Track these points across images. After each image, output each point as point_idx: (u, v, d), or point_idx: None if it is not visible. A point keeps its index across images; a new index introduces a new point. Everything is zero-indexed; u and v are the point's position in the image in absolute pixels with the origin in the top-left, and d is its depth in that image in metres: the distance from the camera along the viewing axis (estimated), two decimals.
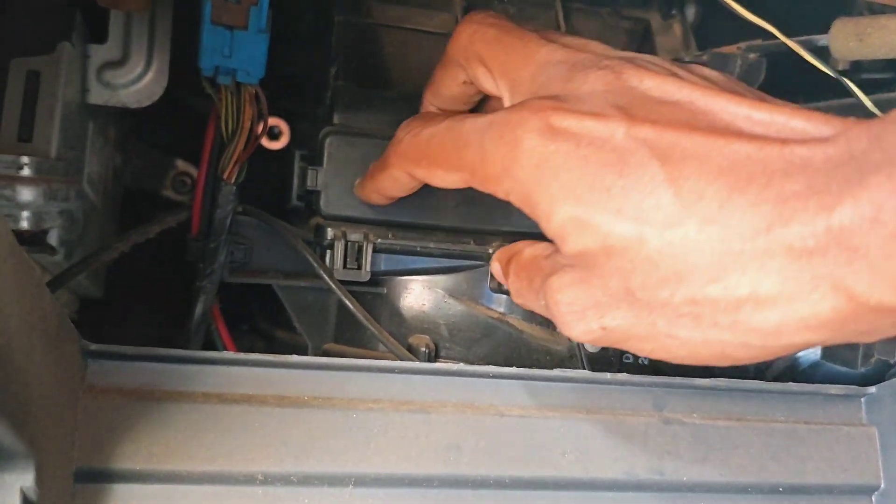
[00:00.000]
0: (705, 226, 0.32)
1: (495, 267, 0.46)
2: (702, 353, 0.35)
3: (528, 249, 0.43)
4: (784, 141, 0.33)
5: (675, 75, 0.37)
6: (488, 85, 0.43)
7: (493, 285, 0.51)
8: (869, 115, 0.49)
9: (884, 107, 0.50)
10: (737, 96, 0.36)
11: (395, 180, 0.45)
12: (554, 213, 0.36)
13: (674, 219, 0.33)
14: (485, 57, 0.42)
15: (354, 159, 0.49)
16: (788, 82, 0.53)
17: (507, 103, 0.41)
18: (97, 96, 0.51)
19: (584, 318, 0.36)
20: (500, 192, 0.39)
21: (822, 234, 0.30)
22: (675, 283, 0.33)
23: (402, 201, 0.48)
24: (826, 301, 0.31)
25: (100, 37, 0.51)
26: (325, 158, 0.49)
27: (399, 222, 0.50)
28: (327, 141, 0.50)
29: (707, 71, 0.39)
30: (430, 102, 0.48)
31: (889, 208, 0.28)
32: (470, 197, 0.50)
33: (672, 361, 0.36)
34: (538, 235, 0.51)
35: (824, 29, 0.51)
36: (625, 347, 0.37)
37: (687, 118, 0.35)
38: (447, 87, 0.46)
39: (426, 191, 0.47)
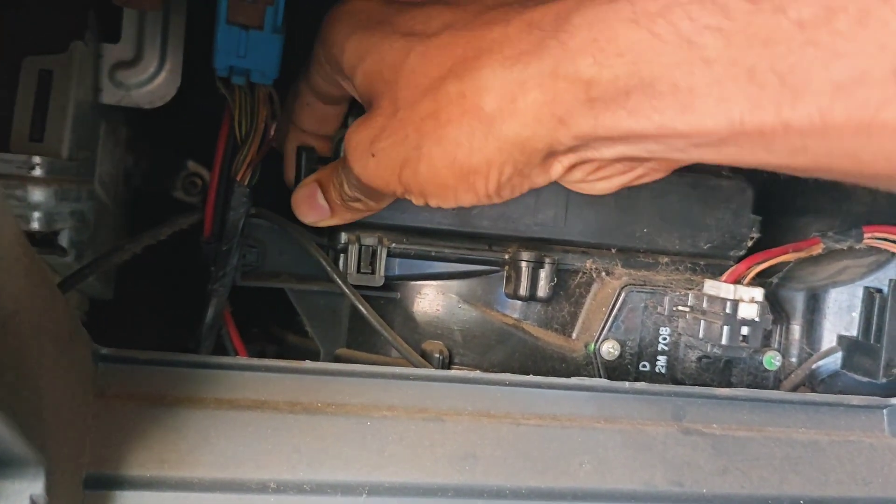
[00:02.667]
0: (456, 33, 0.38)
1: (306, 190, 0.48)
2: (439, 166, 0.38)
3: (323, 170, 0.48)
4: None
5: None
6: None
7: (509, 290, 0.50)
8: None
9: None
10: None
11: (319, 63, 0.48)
12: (345, 51, 0.42)
13: (436, 28, 0.38)
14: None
15: None
16: None
17: None
18: (110, 96, 0.50)
19: (362, 150, 0.41)
20: (329, 59, 0.45)
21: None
22: (427, 89, 0.38)
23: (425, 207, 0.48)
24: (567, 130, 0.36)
25: (113, 36, 0.50)
26: None
27: (415, 227, 0.49)
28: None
29: None
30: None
31: None
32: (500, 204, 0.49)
33: (421, 186, 0.39)
34: (556, 241, 0.51)
35: None
36: (393, 176, 0.40)
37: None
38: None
39: None
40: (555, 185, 0.49)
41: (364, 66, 0.41)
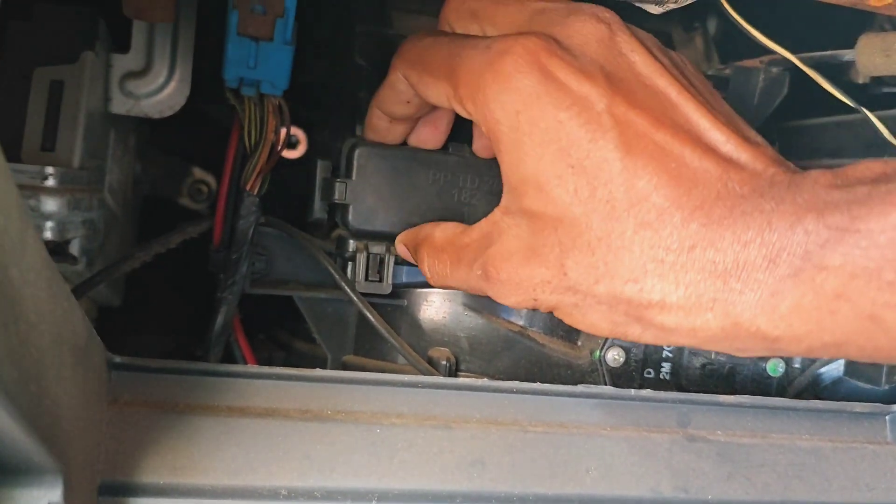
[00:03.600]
0: (641, 229, 0.36)
1: (401, 250, 0.48)
2: (603, 331, 0.39)
3: (438, 232, 0.45)
4: (726, 166, 0.36)
5: (657, 58, 0.39)
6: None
7: None
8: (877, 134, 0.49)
9: None
10: (704, 106, 0.38)
11: (392, 88, 0.45)
12: (519, 167, 0.38)
13: (619, 214, 0.36)
14: (478, 10, 0.43)
15: (385, 172, 0.48)
16: (812, 96, 0.53)
17: None
18: (119, 106, 0.51)
19: (520, 289, 0.40)
20: (473, 116, 0.40)
21: (730, 263, 0.34)
22: (602, 274, 0.37)
23: (432, 215, 0.48)
24: (716, 321, 0.35)
25: (123, 46, 0.51)
26: (355, 171, 0.48)
27: None
28: (357, 153, 0.48)
29: (680, 61, 0.42)
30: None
31: (785, 254, 0.33)
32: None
33: (580, 328, 0.41)
34: None
35: (849, 43, 0.51)
36: (544, 311, 0.41)
37: (659, 109, 0.37)
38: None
39: (454, 204, 0.47)
40: None
41: (538, 202, 0.38)
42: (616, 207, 0.36)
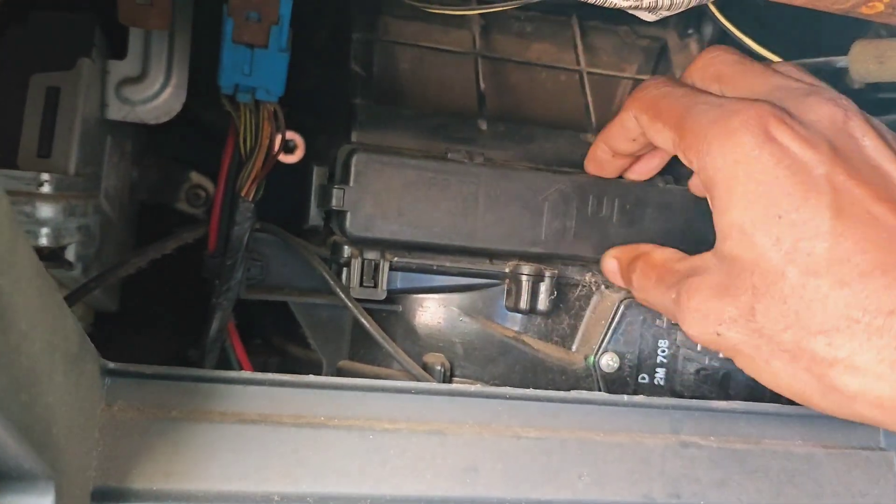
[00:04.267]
0: (838, 287, 0.37)
1: (610, 264, 0.50)
2: (782, 386, 0.40)
3: (658, 252, 0.48)
4: None
5: (890, 146, 0.41)
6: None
7: (510, 304, 0.51)
8: None
9: None
10: None
11: (622, 125, 0.48)
12: (727, 212, 0.40)
13: (817, 269, 0.37)
14: (724, 74, 0.45)
15: (383, 178, 0.48)
16: None
17: None
18: (116, 112, 0.51)
19: (706, 321, 0.41)
20: (693, 164, 0.42)
21: None
22: (791, 322, 0.38)
23: (431, 222, 0.49)
24: None
25: (119, 52, 0.51)
26: (353, 177, 0.48)
27: (417, 242, 0.49)
28: (355, 159, 0.48)
29: None
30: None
31: None
32: (499, 219, 0.50)
33: (757, 379, 0.41)
34: (559, 256, 0.51)
35: (843, 50, 0.51)
36: (724, 354, 0.42)
37: (881, 186, 0.39)
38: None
39: (453, 210, 0.48)
40: (563, 198, 0.50)
41: (738, 247, 0.40)
42: (816, 262, 0.37)
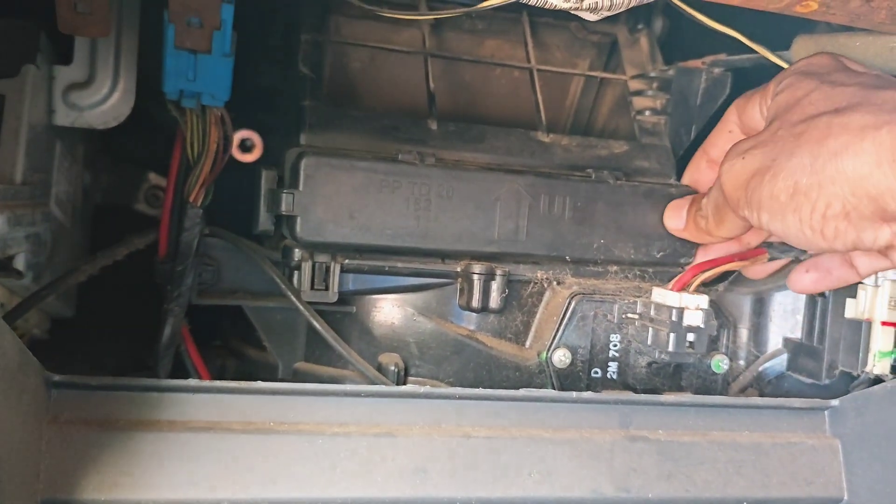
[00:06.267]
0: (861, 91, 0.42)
1: (674, 206, 0.53)
2: (779, 179, 0.42)
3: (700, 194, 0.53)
4: None
5: None
6: None
7: (462, 302, 0.51)
8: None
9: None
10: None
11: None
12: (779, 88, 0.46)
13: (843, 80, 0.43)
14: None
15: (333, 181, 0.48)
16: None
17: None
18: (63, 117, 0.51)
19: (737, 152, 0.45)
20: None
21: None
22: (810, 117, 0.42)
23: (383, 224, 0.48)
24: None
25: (66, 58, 0.50)
26: (302, 181, 0.47)
27: (368, 245, 0.49)
28: (304, 162, 0.48)
29: None
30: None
31: None
32: (454, 218, 0.50)
33: (760, 199, 0.43)
34: (512, 255, 0.52)
35: (785, 45, 0.52)
36: (743, 186, 0.45)
37: None
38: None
39: (407, 211, 0.48)
40: (515, 197, 0.51)
41: (779, 95, 0.45)
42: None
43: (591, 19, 0.45)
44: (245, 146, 0.53)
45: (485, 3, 0.45)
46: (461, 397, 0.43)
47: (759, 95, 0.49)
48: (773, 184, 0.43)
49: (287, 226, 0.49)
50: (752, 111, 0.50)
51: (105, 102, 0.51)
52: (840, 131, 0.40)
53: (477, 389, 0.44)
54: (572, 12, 0.44)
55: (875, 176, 0.39)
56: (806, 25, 0.54)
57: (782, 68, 0.50)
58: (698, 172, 0.54)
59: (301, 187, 0.48)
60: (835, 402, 0.49)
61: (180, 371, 0.51)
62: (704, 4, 0.50)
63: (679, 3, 0.53)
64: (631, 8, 0.45)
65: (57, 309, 0.58)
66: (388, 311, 0.52)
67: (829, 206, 0.41)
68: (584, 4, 0.43)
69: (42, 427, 0.37)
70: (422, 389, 0.43)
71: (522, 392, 0.44)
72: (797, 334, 0.55)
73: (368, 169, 0.48)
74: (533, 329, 0.52)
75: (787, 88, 0.46)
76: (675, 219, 0.53)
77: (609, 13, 0.44)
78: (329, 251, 0.49)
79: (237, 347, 0.58)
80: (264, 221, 0.50)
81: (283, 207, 0.48)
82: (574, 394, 0.45)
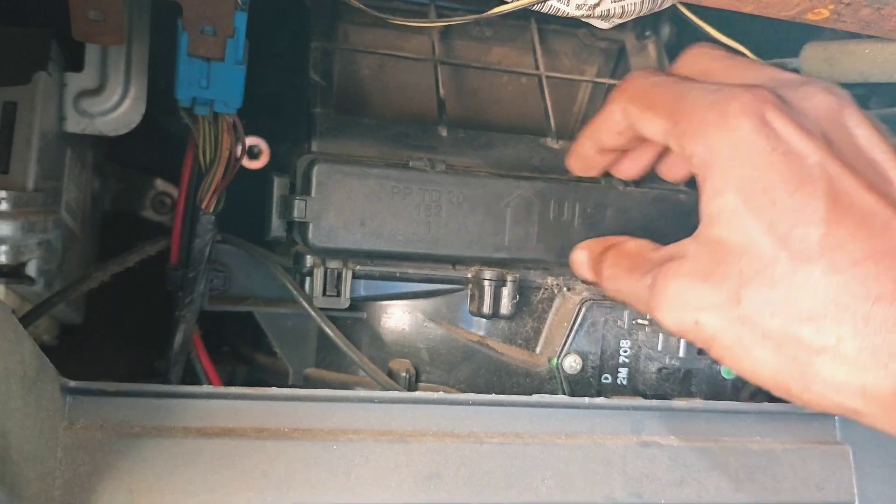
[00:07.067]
0: (831, 273, 0.36)
1: (580, 255, 0.49)
2: (764, 376, 0.38)
3: (632, 242, 0.47)
4: None
5: (884, 137, 0.41)
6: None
7: (473, 308, 0.51)
8: None
9: None
10: None
11: (608, 118, 0.47)
12: (719, 196, 0.39)
13: (810, 255, 0.37)
14: (711, 69, 0.45)
15: (345, 188, 0.48)
16: None
17: None
18: (74, 125, 0.51)
19: (685, 308, 0.39)
20: (686, 150, 0.42)
21: None
22: (779, 309, 0.37)
23: (394, 231, 0.49)
24: (888, 381, 0.35)
25: (77, 65, 0.51)
26: (315, 187, 0.48)
27: (380, 251, 0.49)
28: (316, 169, 0.48)
29: None
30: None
31: None
32: (462, 227, 0.50)
33: (735, 372, 0.40)
34: (521, 260, 0.52)
35: (794, 53, 0.52)
36: (701, 346, 0.40)
37: (874, 177, 0.39)
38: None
39: (417, 218, 0.48)
40: (525, 203, 0.51)
41: (728, 230, 0.39)
42: (810, 248, 0.37)
43: (603, 27, 0.46)
44: (252, 153, 0.54)
45: (495, 10, 0.45)
46: (474, 403, 0.43)
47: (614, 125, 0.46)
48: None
49: (299, 232, 0.49)
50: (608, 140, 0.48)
51: (116, 109, 0.52)
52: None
53: (490, 395, 0.44)
54: (584, 20, 0.45)
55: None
56: (815, 33, 0.54)
57: None
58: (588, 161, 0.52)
59: (313, 194, 0.48)
60: None
61: (190, 378, 0.51)
62: (713, 13, 0.50)
63: (687, 13, 0.53)
64: (640, 16, 0.45)
65: (66, 316, 0.58)
66: (399, 317, 0.52)
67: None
68: (596, 12, 0.43)
69: (58, 434, 0.37)
70: (435, 395, 0.43)
71: (535, 398, 0.44)
72: None
73: (380, 175, 0.49)
74: (543, 335, 0.52)
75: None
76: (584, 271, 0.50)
77: (621, 20, 0.44)
78: (341, 257, 0.49)
79: (247, 354, 0.58)
80: (276, 228, 0.50)
81: (296, 214, 0.48)
82: (587, 399, 0.45)
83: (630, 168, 0.52)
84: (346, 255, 0.49)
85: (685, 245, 0.42)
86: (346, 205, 0.48)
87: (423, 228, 0.49)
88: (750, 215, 0.38)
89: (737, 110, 0.39)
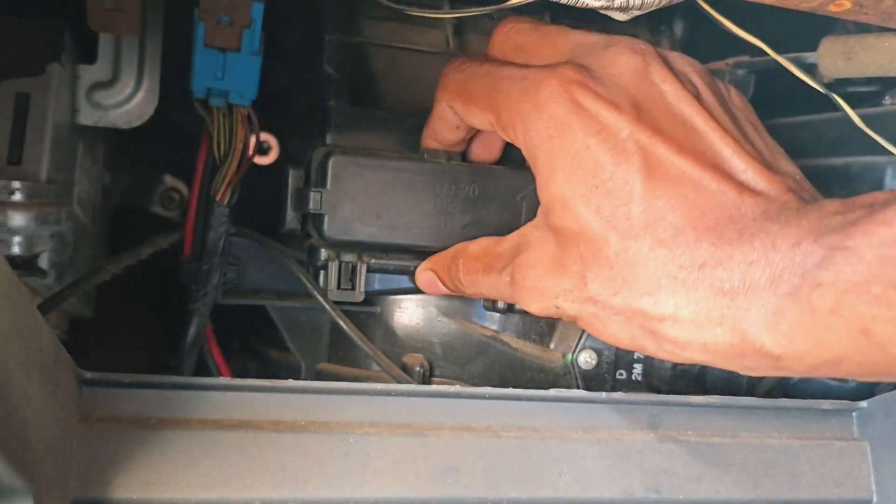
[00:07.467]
0: (657, 246, 0.38)
1: (426, 276, 0.49)
2: (623, 342, 0.41)
3: (472, 245, 0.47)
4: (741, 191, 0.38)
5: (688, 88, 0.41)
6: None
7: (487, 303, 0.51)
8: (857, 130, 0.50)
9: (869, 121, 0.50)
10: (729, 135, 0.40)
11: (441, 118, 0.48)
12: (549, 186, 0.41)
13: (636, 231, 0.38)
14: (522, 44, 0.46)
15: (360, 180, 0.48)
16: (776, 97, 0.54)
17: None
18: (87, 117, 0.51)
19: (544, 296, 0.42)
20: (515, 141, 0.43)
21: (737, 281, 0.36)
22: (620, 286, 0.39)
23: (409, 223, 0.48)
24: (724, 336, 0.37)
25: (89, 57, 0.50)
26: (330, 180, 0.47)
27: (395, 244, 0.49)
28: (332, 161, 0.47)
29: (729, 91, 0.44)
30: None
31: (787, 273, 0.35)
32: (478, 220, 0.50)
33: (599, 339, 0.42)
34: None
35: (812, 46, 0.52)
36: (566, 320, 0.43)
37: (683, 136, 0.40)
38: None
39: (431, 211, 0.48)
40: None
41: (563, 218, 0.40)
42: (634, 225, 0.38)
43: (621, 19, 0.45)
44: (262, 149, 0.54)
45: (511, 2, 0.45)
46: (490, 397, 0.43)
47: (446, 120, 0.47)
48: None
49: (314, 224, 0.49)
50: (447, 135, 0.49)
51: (129, 102, 0.51)
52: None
53: (507, 389, 0.43)
54: (602, 12, 0.44)
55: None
56: (831, 28, 0.54)
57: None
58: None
59: (329, 186, 0.47)
60: (863, 404, 0.49)
61: (202, 371, 0.51)
62: (731, 5, 0.50)
63: (705, 6, 0.53)
64: (659, 8, 0.45)
65: (77, 309, 0.58)
66: (413, 312, 0.52)
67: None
68: (615, 3, 0.43)
69: (74, 425, 0.37)
70: (452, 389, 0.43)
71: (552, 392, 0.44)
72: None
73: (396, 168, 0.48)
74: (558, 331, 0.52)
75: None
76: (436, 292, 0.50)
77: (639, 13, 0.44)
78: (356, 250, 0.49)
79: (258, 348, 0.58)
80: (291, 220, 0.50)
81: (311, 206, 0.47)
82: (604, 394, 0.45)
83: (484, 153, 0.51)
84: (361, 247, 0.49)
85: (527, 233, 0.43)
86: (361, 197, 0.48)
87: (439, 221, 0.49)
88: (579, 201, 0.39)
89: (546, 97, 0.40)
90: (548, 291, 0.41)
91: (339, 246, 0.49)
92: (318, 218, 0.48)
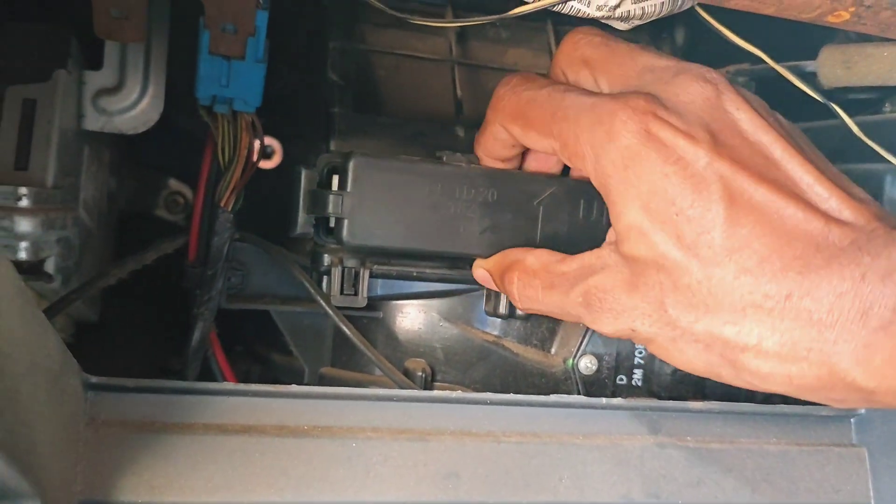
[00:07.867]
0: (742, 274, 0.37)
1: (481, 274, 0.48)
2: (698, 369, 0.40)
3: (531, 257, 0.46)
4: (827, 220, 0.37)
5: (763, 116, 0.41)
6: (588, 84, 0.45)
7: (489, 308, 0.51)
8: (856, 137, 0.50)
9: (869, 128, 0.51)
10: (807, 162, 0.39)
11: (495, 137, 0.47)
12: (624, 215, 0.40)
13: (719, 259, 0.38)
14: (591, 58, 0.45)
15: (383, 183, 0.45)
16: (776, 105, 0.54)
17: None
18: (92, 122, 0.51)
19: (619, 317, 0.41)
20: (584, 171, 0.42)
21: (825, 313, 0.36)
22: (702, 314, 0.38)
23: (428, 228, 0.46)
24: (811, 370, 0.36)
25: (95, 63, 0.51)
26: (351, 182, 0.45)
27: (397, 249, 0.48)
28: (353, 163, 0.45)
29: (786, 123, 0.43)
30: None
31: (877, 306, 0.34)
32: (496, 225, 0.48)
33: (670, 363, 0.41)
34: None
35: (811, 55, 0.52)
36: (638, 343, 0.43)
37: (763, 165, 0.39)
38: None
39: (450, 216, 0.46)
40: (556, 202, 0.48)
41: (639, 247, 0.39)
42: (717, 253, 0.38)
43: (623, 29, 0.46)
44: (265, 153, 0.54)
45: (515, 11, 0.45)
46: (491, 402, 0.43)
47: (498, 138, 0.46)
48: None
49: (326, 229, 0.47)
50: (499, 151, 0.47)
51: (135, 108, 0.52)
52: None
53: (508, 395, 0.44)
54: (603, 22, 0.45)
55: None
56: (831, 37, 0.54)
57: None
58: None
59: (349, 188, 0.45)
60: (861, 411, 0.49)
61: (206, 376, 0.51)
62: (730, 15, 0.50)
63: (705, 16, 0.53)
64: (660, 17, 0.45)
65: (82, 313, 0.58)
66: (415, 317, 0.52)
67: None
68: (617, 14, 0.43)
69: (79, 429, 0.37)
70: (453, 394, 0.43)
71: (553, 398, 0.44)
72: None
73: (417, 171, 0.46)
74: (559, 336, 0.52)
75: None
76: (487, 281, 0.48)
77: (640, 22, 0.45)
78: (369, 255, 0.48)
79: (262, 353, 0.58)
80: (303, 224, 0.48)
81: (331, 209, 0.45)
82: (604, 400, 0.45)
83: (542, 167, 0.50)
84: (380, 253, 0.47)
85: (603, 256, 0.42)
86: (382, 200, 0.45)
87: (458, 226, 0.47)
88: (656, 231, 0.39)
89: (620, 128, 0.39)
90: (625, 313, 0.40)
91: (358, 251, 0.47)
92: (338, 222, 0.45)
